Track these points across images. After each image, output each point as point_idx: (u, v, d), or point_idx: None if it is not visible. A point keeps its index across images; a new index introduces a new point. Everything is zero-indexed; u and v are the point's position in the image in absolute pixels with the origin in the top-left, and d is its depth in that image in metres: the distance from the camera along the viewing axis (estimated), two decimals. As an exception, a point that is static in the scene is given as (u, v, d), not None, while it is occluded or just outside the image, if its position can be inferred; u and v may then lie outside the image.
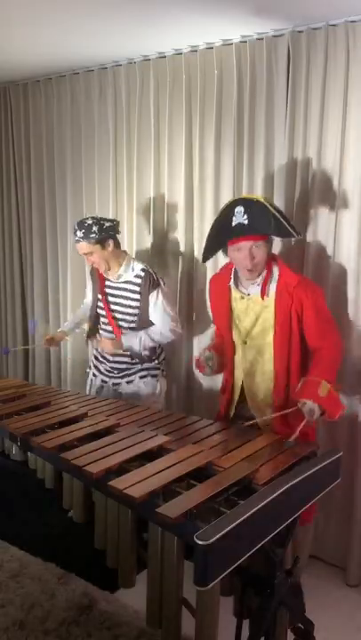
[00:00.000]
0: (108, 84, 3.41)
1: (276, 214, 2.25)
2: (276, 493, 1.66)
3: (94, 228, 2.82)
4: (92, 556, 2.18)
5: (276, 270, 2.38)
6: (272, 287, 2.35)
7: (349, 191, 2.65)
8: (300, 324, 2.34)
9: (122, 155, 3.43)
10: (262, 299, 2.36)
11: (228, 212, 2.29)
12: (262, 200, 2.28)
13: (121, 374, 3.02)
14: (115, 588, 2.63)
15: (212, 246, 2.43)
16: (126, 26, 2.71)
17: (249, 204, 2.22)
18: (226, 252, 2.39)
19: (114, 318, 2.98)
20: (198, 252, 3.17)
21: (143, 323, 2.92)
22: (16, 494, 3.60)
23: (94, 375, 3.16)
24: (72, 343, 3.80)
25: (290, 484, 1.73)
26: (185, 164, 3.14)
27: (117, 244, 2.93)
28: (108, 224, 2.87)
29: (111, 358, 3.02)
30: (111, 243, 2.87)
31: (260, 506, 1.60)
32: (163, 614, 1.73)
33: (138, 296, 2.90)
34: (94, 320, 3.11)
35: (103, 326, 3.05)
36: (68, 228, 3.76)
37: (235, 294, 2.45)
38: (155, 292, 2.87)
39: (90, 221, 2.84)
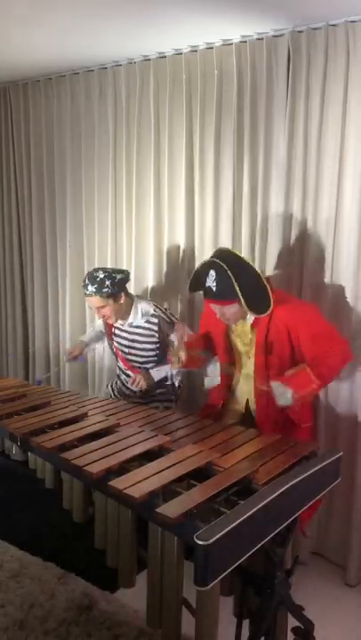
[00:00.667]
0: (108, 84, 3.41)
1: (237, 288, 2.22)
2: (276, 493, 1.66)
3: (107, 282, 2.75)
4: (92, 555, 2.18)
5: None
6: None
7: (349, 190, 2.65)
8: (290, 346, 2.36)
9: (122, 155, 3.43)
10: (252, 329, 2.41)
11: (202, 271, 2.34)
12: (226, 268, 2.24)
13: (143, 397, 3.00)
14: (115, 588, 2.63)
15: (195, 288, 2.46)
16: (126, 26, 2.70)
17: (220, 272, 2.25)
18: None
19: (127, 360, 2.97)
20: (198, 254, 3.17)
21: (162, 357, 2.92)
22: (16, 494, 3.60)
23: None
24: (69, 343, 3.81)
25: (290, 483, 1.73)
26: (185, 163, 3.14)
27: (127, 294, 2.89)
28: (119, 277, 2.80)
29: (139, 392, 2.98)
30: (123, 295, 2.83)
31: (260, 506, 1.60)
32: (163, 614, 1.73)
33: (155, 339, 2.89)
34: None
35: (120, 371, 3.07)
36: (67, 228, 3.76)
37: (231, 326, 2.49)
38: (173, 333, 2.82)
39: (102, 275, 2.76)
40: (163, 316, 2.88)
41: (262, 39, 2.76)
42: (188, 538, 1.49)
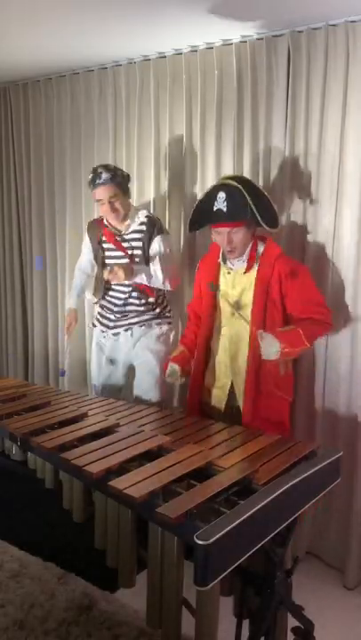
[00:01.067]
0: (108, 84, 3.41)
1: (251, 205, 2.30)
2: (276, 493, 1.66)
3: (119, 173, 2.79)
4: (92, 555, 2.18)
5: (261, 248, 2.49)
6: (256, 263, 2.46)
7: (349, 190, 2.65)
8: (281, 296, 2.42)
9: (122, 155, 3.43)
10: (246, 272, 2.46)
11: (211, 195, 2.38)
12: (241, 188, 2.30)
13: (135, 318, 2.96)
14: (115, 588, 2.63)
15: (197, 223, 2.54)
16: (126, 26, 2.70)
17: (231, 191, 2.30)
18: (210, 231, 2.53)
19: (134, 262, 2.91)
20: (198, 255, 3.17)
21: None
22: (16, 494, 3.60)
23: (102, 331, 3.09)
24: (70, 343, 3.80)
25: (290, 483, 1.73)
26: (185, 163, 3.14)
27: (130, 196, 2.93)
28: (125, 174, 2.86)
29: (122, 295, 2.94)
30: (129, 194, 2.87)
31: (260, 506, 1.60)
32: (163, 614, 1.73)
33: (142, 242, 2.88)
34: (101, 278, 3.01)
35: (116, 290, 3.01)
36: (67, 228, 3.76)
37: (223, 270, 2.56)
38: (159, 236, 2.84)
39: (112, 167, 2.81)
40: (155, 218, 2.90)
41: (262, 39, 2.76)
42: (188, 538, 1.49)
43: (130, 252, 2.92)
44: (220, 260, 2.59)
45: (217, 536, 1.45)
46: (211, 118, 3.00)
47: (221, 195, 2.31)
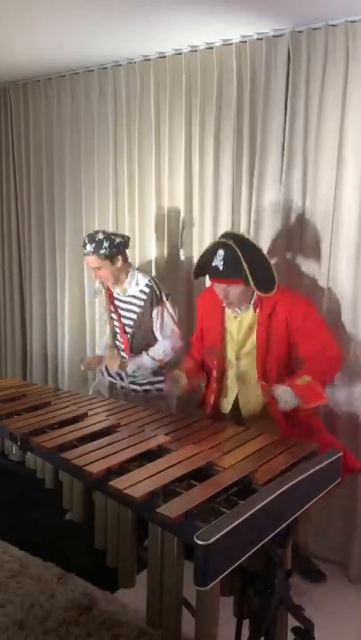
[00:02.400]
0: (108, 84, 3.41)
1: (246, 270, 2.29)
2: (276, 493, 1.66)
3: (105, 244, 2.79)
4: (92, 555, 2.18)
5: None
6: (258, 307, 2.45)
7: (348, 190, 2.65)
8: (287, 336, 2.40)
9: (122, 155, 3.43)
10: (255, 311, 2.44)
11: (211, 250, 2.40)
12: (238, 252, 2.30)
13: (138, 382, 3.03)
14: (115, 588, 2.63)
15: (200, 272, 2.54)
16: (126, 26, 2.71)
17: (228, 251, 2.31)
18: None
19: (125, 332, 2.99)
20: (198, 256, 3.17)
21: (142, 336, 2.94)
22: (16, 494, 3.60)
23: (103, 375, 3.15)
24: (69, 343, 3.81)
25: (290, 483, 1.73)
26: (185, 164, 3.14)
27: (126, 259, 2.92)
28: (118, 240, 2.85)
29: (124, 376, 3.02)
30: (120, 258, 2.85)
31: (260, 506, 1.60)
32: (163, 614, 1.73)
33: (139, 309, 2.91)
34: (113, 334, 3.13)
35: (118, 339, 3.07)
36: (66, 228, 3.76)
37: (228, 314, 2.53)
38: (157, 308, 2.88)
39: (101, 236, 2.81)
40: (155, 288, 2.91)
41: (262, 39, 2.76)
42: (188, 538, 1.49)
43: (123, 320, 2.98)
44: (224, 304, 2.53)
45: (217, 536, 1.45)
46: (210, 118, 3.00)
47: (220, 252, 2.33)
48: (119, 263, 2.86)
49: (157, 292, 2.89)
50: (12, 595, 2.63)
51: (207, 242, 3.10)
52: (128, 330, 2.97)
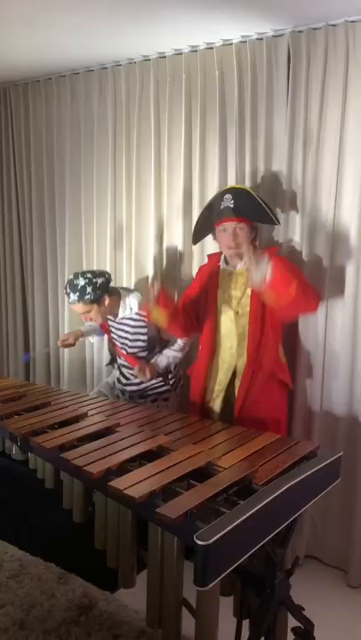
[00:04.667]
0: (108, 84, 3.41)
1: (260, 202, 2.51)
2: (276, 493, 1.66)
3: (88, 289, 2.76)
4: (92, 556, 2.18)
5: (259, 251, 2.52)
6: None
7: (349, 189, 2.65)
8: None
9: (121, 155, 3.43)
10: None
11: (217, 198, 2.55)
12: (248, 189, 2.56)
13: (146, 393, 3.06)
14: (115, 588, 2.64)
15: (202, 229, 2.70)
16: (126, 26, 2.71)
17: (237, 192, 2.51)
18: (214, 236, 2.66)
19: (126, 353, 3.00)
20: (197, 257, 3.17)
21: (155, 345, 2.98)
22: (16, 494, 3.60)
23: (118, 380, 3.17)
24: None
25: (290, 483, 1.73)
26: (184, 164, 3.14)
27: (111, 293, 2.89)
28: (100, 281, 2.81)
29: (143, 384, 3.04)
30: (106, 297, 2.84)
31: (260, 506, 1.59)
32: (163, 614, 1.73)
33: (145, 330, 2.92)
34: (112, 351, 3.18)
35: (120, 361, 3.09)
36: (66, 228, 3.76)
37: (223, 272, 2.64)
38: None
39: (82, 282, 2.77)
40: None
41: (262, 39, 2.76)
42: (188, 538, 1.49)
43: (126, 341, 2.99)
44: (220, 263, 2.68)
45: (217, 536, 1.45)
46: (211, 118, 3.00)
47: (228, 196, 2.48)
48: (107, 302, 2.85)
49: None
50: (12, 595, 2.64)
51: (207, 242, 3.11)
52: (132, 347, 2.99)
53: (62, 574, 2.78)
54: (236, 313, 2.59)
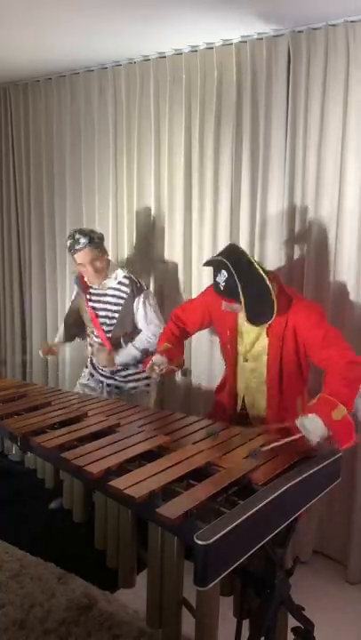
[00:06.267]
0: (108, 84, 3.41)
1: (242, 299, 2.22)
2: (276, 493, 1.66)
3: (94, 236, 2.84)
4: (92, 556, 2.18)
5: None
6: None
7: (351, 190, 2.65)
8: (296, 346, 2.34)
9: (122, 155, 3.43)
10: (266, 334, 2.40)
11: (216, 266, 2.31)
12: (238, 281, 2.21)
13: (124, 379, 3.06)
14: (115, 588, 2.63)
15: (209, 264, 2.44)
16: (126, 26, 2.71)
17: (229, 276, 2.23)
18: None
19: (101, 324, 3.02)
20: (196, 256, 3.17)
21: (122, 327, 2.97)
22: (16, 494, 3.60)
23: (91, 375, 3.20)
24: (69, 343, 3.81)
25: (290, 483, 1.73)
26: (185, 164, 3.14)
27: (108, 254, 3.00)
28: (99, 234, 2.92)
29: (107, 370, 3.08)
30: (106, 253, 2.93)
31: (260, 506, 1.59)
32: (163, 614, 1.73)
33: (121, 301, 2.94)
34: (74, 326, 3.21)
35: (91, 335, 3.10)
36: (66, 228, 3.76)
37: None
38: (140, 297, 2.91)
39: (87, 230, 2.88)
40: (135, 279, 2.96)
41: (262, 39, 2.76)
42: (188, 538, 1.49)
43: (103, 313, 3.00)
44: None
45: (217, 536, 1.45)
46: (210, 118, 3.00)
47: (224, 272, 2.25)
48: (108, 256, 2.94)
49: (137, 283, 2.94)
50: (12, 595, 2.63)
51: (206, 242, 3.12)
52: (107, 322, 3.00)
53: (62, 574, 2.78)
54: (245, 360, 2.47)
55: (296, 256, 2.86)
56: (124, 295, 2.94)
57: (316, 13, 2.52)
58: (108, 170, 3.50)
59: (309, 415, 2.00)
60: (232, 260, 2.26)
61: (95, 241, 2.84)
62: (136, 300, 2.92)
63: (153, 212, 3.33)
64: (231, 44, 2.86)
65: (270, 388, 2.44)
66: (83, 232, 2.87)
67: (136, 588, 1.95)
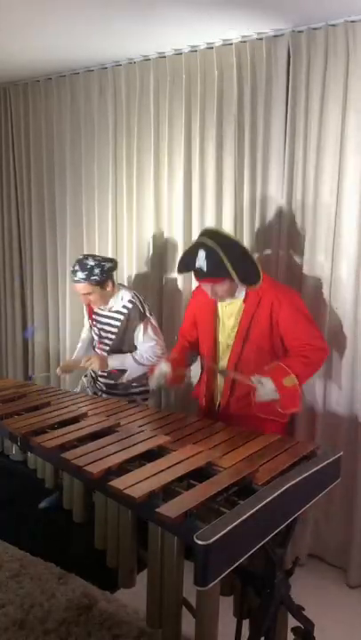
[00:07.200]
0: (108, 84, 3.41)
1: (228, 266, 2.29)
2: (276, 493, 1.66)
3: (96, 271, 2.82)
4: (92, 556, 2.18)
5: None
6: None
7: (349, 190, 2.65)
8: (271, 324, 2.41)
9: (121, 155, 3.43)
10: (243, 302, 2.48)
11: (192, 251, 2.38)
12: (218, 250, 2.29)
13: (124, 391, 3.06)
14: (115, 588, 2.63)
15: (184, 269, 2.52)
16: (126, 26, 2.70)
17: (209, 251, 2.30)
18: None
19: (102, 343, 3.04)
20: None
21: (121, 346, 2.98)
22: (16, 494, 3.60)
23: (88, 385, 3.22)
24: (70, 343, 3.81)
25: (290, 483, 1.73)
26: (185, 164, 3.14)
27: (114, 282, 2.97)
28: (108, 265, 2.88)
29: (101, 378, 3.08)
30: (110, 283, 2.91)
31: (260, 506, 1.60)
32: (163, 614, 1.73)
33: (123, 325, 2.94)
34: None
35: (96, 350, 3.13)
36: (67, 229, 3.76)
37: (221, 302, 2.54)
38: (141, 324, 2.91)
39: (91, 262, 2.84)
40: (137, 304, 2.94)
41: (262, 39, 2.76)
42: (188, 538, 1.49)
43: (103, 333, 3.02)
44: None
45: (217, 536, 1.45)
46: (210, 118, 3.00)
47: (201, 254, 2.31)
48: (109, 287, 2.91)
49: (141, 308, 2.93)
50: (12, 595, 2.64)
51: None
52: (107, 342, 3.02)
53: (62, 574, 2.78)
54: (228, 345, 2.54)
55: (295, 256, 2.85)
56: (126, 320, 2.93)
57: (317, 13, 2.52)
58: (107, 170, 3.49)
59: (264, 376, 2.28)
60: (206, 235, 2.38)
61: (93, 277, 2.81)
62: (138, 327, 2.91)
63: (153, 211, 3.33)
64: (231, 44, 2.86)
65: (235, 346, 2.48)
66: (83, 265, 2.83)
67: (136, 588, 1.95)
